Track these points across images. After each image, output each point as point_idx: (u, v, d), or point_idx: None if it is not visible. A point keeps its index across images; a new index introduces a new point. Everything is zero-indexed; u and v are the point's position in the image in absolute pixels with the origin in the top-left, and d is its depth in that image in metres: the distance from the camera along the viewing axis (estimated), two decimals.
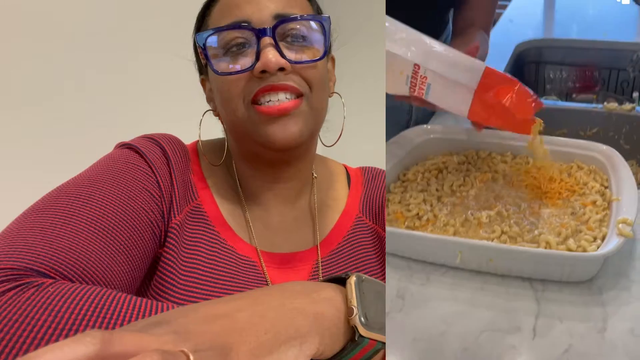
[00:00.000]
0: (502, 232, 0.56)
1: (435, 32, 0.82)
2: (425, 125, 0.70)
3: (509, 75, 0.58)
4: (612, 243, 0.50)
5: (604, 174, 0.63)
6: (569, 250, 0.53)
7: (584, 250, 0.52)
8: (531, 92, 0.57)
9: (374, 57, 1.66)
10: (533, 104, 0.57)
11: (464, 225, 0.58)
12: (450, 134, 0.70)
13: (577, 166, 0.66)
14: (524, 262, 0.52)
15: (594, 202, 0.59)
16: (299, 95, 0.53)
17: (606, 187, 0.61)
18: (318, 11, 0.59)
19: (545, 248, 0.53)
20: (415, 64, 0.56)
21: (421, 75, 0.57)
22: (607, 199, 0.59)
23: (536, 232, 0.56)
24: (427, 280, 0.54)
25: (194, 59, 0.60)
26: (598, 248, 0.52)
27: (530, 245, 0.54)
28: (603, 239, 0.53)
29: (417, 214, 0.60)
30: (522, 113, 0.57)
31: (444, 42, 0.64)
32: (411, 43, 0.56)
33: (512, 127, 0.59)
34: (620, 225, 0.52)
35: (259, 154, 0.56)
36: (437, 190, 0.63)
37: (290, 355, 0.30)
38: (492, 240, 0.55)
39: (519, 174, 0.65)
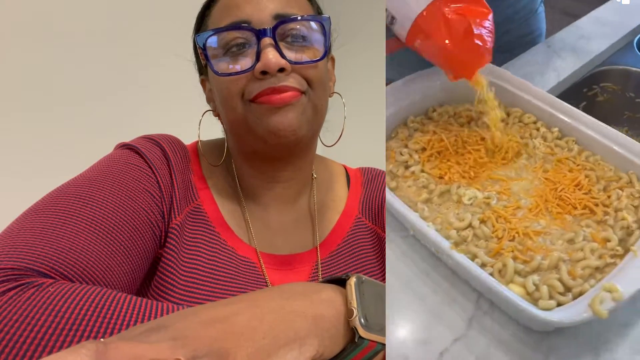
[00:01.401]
0: (471, 226, 0.50)
1: None
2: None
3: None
4: (575, 313, 0.41)
5: None
6: (526, 289, 0.45)
7: (545, 300, 0.43)
8: (492, 29, 0.50)
9: (374, 57, 1.66)
10: (487, 44, 0.50)
11: (441, 196, 0.53)
12: None
13: (625, 180, 0.53)
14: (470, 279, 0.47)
15: (606, 240, 0.48)
16: (300, 92, 0.53)
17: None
18: (318, 11, 0.59)
19: (501, 272, 0.46)
20: None
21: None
22: (627, 245, 0.47)
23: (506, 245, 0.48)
24: None
25: (194, 59, 0.60)
26: (574, 299, 0.43)
27: (488, 264, 0.47)
28: (582, 293, 0.44)
29: (406, 161, 0.57)
30: (481, 39, 0.50)
31: None
32: None
33: (461, 51, 0.52)
34: (601, 294, 0.41)
35: (259, 153, 0.56)
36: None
37: (289, 358, 0.30)
38: (459, 230, 0.49)
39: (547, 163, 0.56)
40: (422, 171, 0.56)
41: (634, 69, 0.83)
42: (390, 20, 0.56)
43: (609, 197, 0.52)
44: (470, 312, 0.47)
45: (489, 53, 0.52)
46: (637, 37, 0.89)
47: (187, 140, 0.61)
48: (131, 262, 0.46)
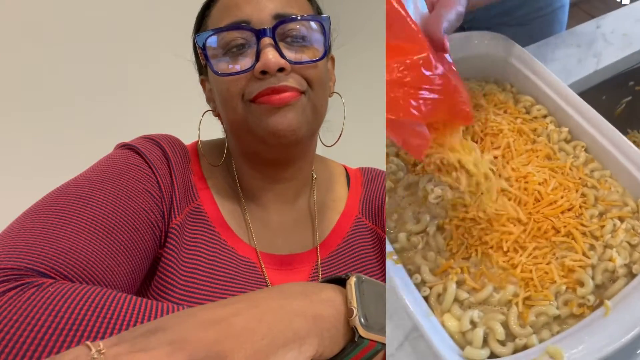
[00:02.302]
0: (425, 232, 0.42)
1: None
2: None
3: (422, 35, 0.35)
4: None
5: None
6: (460, 326, 0.37)
7: (475, 349, 0.35)
8: (440, 82, 0.35)
9: (374, 57, 1.66)
10: (428, 107, 0.34)
11: (407, 188, 0.44)
12: None
13: (630, 209, 0.42)
14: None
15: (578, 283, 0.38)
16: (300, 92, 0.52)
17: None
18: (318, 11, 0.59)
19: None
20: None
21: None
22: (603, 294, 0.38)
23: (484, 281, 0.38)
24: None
25: (194, 59, 0.60)
26: (514, 352, 0.35)
27: (428, 283, 0.39)
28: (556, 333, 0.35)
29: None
30: (396, 109, 0.34)
31: None
32: None
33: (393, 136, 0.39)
34: (542, 359, 0.33)
35: (259, 153, 0.56)
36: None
37: (288, 358, 0.30)
38: (411, 234, 0.41)
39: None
40: (397, 155, 0.48)
41: None
42: None
43: (602, 227, 0.41)
44: (406, 330, 0.40)
45: (426, 123, 0.38)
46: None
47: (187, 140, 0.61)
48: (131, 262, 0.46)
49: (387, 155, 0.48)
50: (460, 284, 0.39)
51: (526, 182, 0.44)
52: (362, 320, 0.34)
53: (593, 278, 0.38)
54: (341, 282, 0.37)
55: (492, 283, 0.38)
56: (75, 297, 0.36)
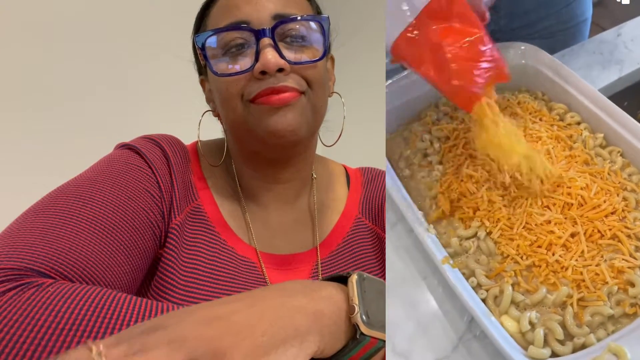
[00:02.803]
0: (476, 236, 0.44)
1: None
2: None
3: (476, 16, 0.43)
4: None
5: None
6: (520, 327, 0.38)
7: (537, 348, 0.37)
8: (491, 54, 0.42)
9: (374, 57, 1.66)
10: (487, 74, 0.42)
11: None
12: None
13: None
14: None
15: (629, 284, 0.39)
16: (299, 92, 0.52)
17: None
18: (317, 11, 0.59)
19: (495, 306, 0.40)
20: None
21: None
22: None
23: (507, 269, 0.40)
24: None
25: (194, 59, 0.60)
26: (574, 351, 0.36)
27: (485, 286, 0.41)
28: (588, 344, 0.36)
29: (425, 149, 0.52)
30: (464, 79, 0.42)
31: None
32: None
33: (445, 90, 0.45)
34: (604, 357, 0.34)
35: (258, 153, 0.56)
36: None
37: (289, 355, 0.30)
38: (462, 239, 0.43)
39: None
40: (440, 163, 0.50)
41: None
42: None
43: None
44: (460, 332, 0.41)
45: (484, 87, 0.44)
46: None
47: (187, 140, 0.61)
48: (131, 262, 0.46)
49: (430, 163, 0.50)
50: (514, 286, 0.41)
51: (569, 188, 0.46)
52: (364, 317, 0.34)
53: None
54: (342, 280, 0.37)
55: (545, 285, 0.40)
56: (75, 297, 0.36)
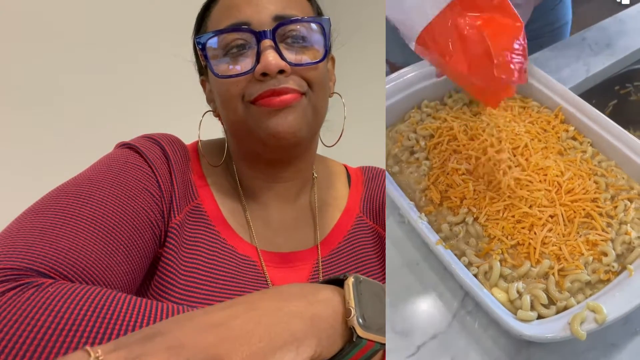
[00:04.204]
0: (464, 222, 0.48)
1: None
2: None
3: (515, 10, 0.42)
4: (552, 330, 0.40)
5: None
6: (509, 295, 0.43)
7: (525, 311, 0.42)
8: (523, 50, 0.43)
9: (374, 57, 1.66)
10: (520, 70, 0.42)
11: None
12: None
13: (637, 191, 0.50)
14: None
15: (602, 254, 0.45)
16: (300, 94, 0.52)
17: None
18: (318, 11, 0.59)
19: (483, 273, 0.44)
20: None
21: None
22: (624, 262, 0.45)
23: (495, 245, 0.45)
24: None
25: (194, 59, 0.60)
26: (557, 312, 0.42)
27: (475, 264, 0.45)
28: (567, 306, 0.41)
29: (412, 147, 0.55)
30: (505, 72, 0.42)
31: None
32: None
33: (475, 82, 0.44)
34: (583, 313, 0.39)
35: (259, 154, 0.56)
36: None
37: (286, 359, 0.30)
38: (452, 225, 0.48)
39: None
40: (427, 159, 0.54)
41: None
42: (394, 30, 0.48)
43: (615, 207, 0.49)
44: (453, 310, 0.46)
45: (516, 81, 0.44)
46: None
47: (188, 140, 0.61)
48: (131, 261, 0.46)
49: (418, 159, 0.53)
50: (502, 262, 0.45)
51: (545, 175, 0.51)
52: (360, 320, 0.34)
53: (614, 249, 0.46)
54: (339, 282, 0.37)
55: (529, 258, 0.45)
56: (75, 297, 0.36)
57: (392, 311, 0.46)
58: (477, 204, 0.49)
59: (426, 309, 0.47)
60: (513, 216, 0.47)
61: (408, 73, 0.60)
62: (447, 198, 0.50)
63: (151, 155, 0.53)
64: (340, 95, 0.61)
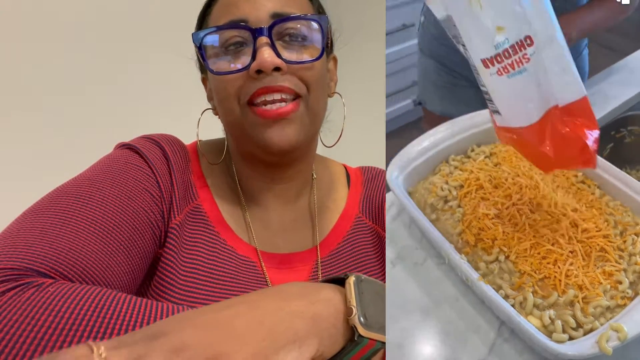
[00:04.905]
0: (497, 260, 0.55)
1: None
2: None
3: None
4: (584, 348, 0.46)
5: None
6: (542, 321, 0.49)
7: (559, 334, 0.48)
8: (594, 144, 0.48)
9: (374, 57, 1.66)
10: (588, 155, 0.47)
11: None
12: None
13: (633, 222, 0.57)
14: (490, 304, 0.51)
15: (617, 282, 0.51)
16: (296, 96, 0.52)
17: None
18: (319, 10, 0.59)
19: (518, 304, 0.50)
20: (528, 36, 0.45)
21: (524, 54, 0.46)
22: (637, 288, 0.51)
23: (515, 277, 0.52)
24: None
25: (196, 57, 0.60)
26: (584, 334, 0.48)
27: (511, 296, 0.52)
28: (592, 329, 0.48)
29: (446, 196, 0.62)
30: (590, 160, 0.48)
31: None
32: (537, 15, 0.45)
33: (563, 163, 0.51)
34: (608, 332, 0.46)
35: (257, 155, 0.56)
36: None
37: (289, 359, 0.30)
38: (487, 263, 0.54)
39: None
40: (459, 206, 0.61)
41: None
42: (490, 109, 0.52)
43: (624, 241, 0.56)
44: (491, 339, 0.53)
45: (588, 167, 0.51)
46: None
47: (188, 140, 0.61)
48: (131, 262, 0.46)
49: (451, 207, 0.61)
50: (533, 293, 0.52)
51: (564, 209, 0.59)
52: (362, 319, 0.34)
53: (627, 277, 0.52)
54: (340, 282, 0.37)
55: (557, 289, 0.51)
56: (75, 297, 0.36)
57: (439, 340, 0.54)
58: (507, 244, 0.56)
59: (468, 339, 0.53)
60: (539, 253, 0.54)
61: (438, 133, 0.70)
62: (481, 240, 0.57)
63: (151, 156, 0.53)
64: (340, 95, 0.61)
